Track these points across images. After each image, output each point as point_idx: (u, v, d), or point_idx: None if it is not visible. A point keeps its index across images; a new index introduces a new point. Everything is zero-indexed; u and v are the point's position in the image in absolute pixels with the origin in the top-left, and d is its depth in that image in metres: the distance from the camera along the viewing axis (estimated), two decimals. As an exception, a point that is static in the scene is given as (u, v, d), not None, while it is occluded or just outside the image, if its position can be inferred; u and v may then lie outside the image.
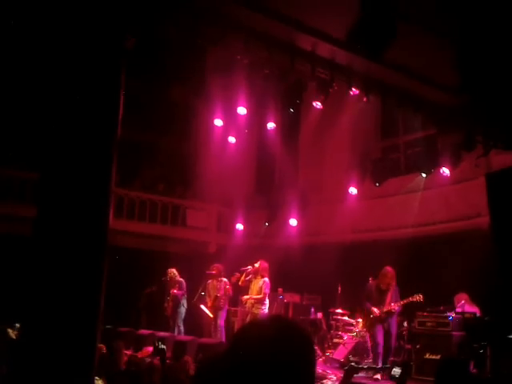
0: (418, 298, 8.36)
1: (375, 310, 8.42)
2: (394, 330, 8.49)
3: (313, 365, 1.38)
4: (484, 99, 5.85)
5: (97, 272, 3.80)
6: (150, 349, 8.90)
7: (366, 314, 8.92)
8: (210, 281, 10.15)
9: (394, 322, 8.51)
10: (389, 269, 8.56)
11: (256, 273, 9.57)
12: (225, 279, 10.04)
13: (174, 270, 10.87)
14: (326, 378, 7.57)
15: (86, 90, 3.90)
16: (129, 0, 4.21)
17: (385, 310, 8.37)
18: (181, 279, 10.77)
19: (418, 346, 8.32)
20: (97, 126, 3.94)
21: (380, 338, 8.35)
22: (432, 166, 9.14)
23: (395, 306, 8.39)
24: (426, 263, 9.39)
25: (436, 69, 6.23)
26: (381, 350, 8.27)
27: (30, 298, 3.64)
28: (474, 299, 8.72)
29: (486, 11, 5.39)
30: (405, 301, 8.42)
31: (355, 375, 6.64)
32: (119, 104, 4.07)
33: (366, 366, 8.14)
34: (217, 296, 9.90)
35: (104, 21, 3.97)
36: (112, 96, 4.03)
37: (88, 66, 3.90)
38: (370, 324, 8.64)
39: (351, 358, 8.66)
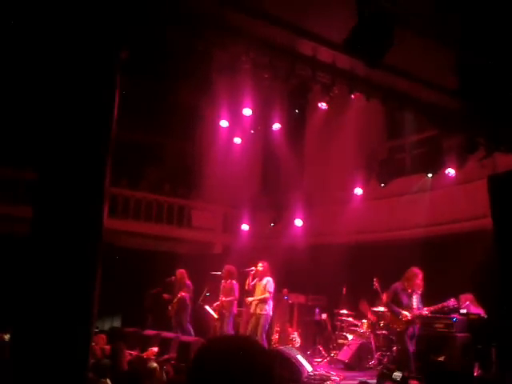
0: (452, 303, 8.03)
1: (406, 313, 7.99)
2: (417, 334, 8.17)
3: (273, 381, 1.43)
4: (485, 102, 5.83)
5: (91, 272, 3.83)
6: (156, 349, 8.95)
7: (392, 318, 8.40)
8: (222, 281, 10.17)
9: (417, 326, 8.20)
10: (416, 270, 8.18)
11: (259, 274, 9.59)
12: (234, 281, 10.04)
13: (183, 272, 10.87)
14: (329, 379, 7.56)
15: (80, 94, 3.96)
16: (124, 9, 4.24)
17: (417, 314, 8.01)
18: (188, 282, 10.76)
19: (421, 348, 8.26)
20: (91, 128, 3.98)
21: (409, 344, 7.96)
22: (438, 166, 9.12)
23: (427, 311, 8.06)
24: (431, 264, 9.33)
25: (436, 72, 6.22)
26: (412, 355, 7.89)
27: (23, 299, 3.67)
28: (480, 300, 8.69)
29: (484, 15, 5.38)
30: (439, 305, 8.06)
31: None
32: (114, 108, 4.12)
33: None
34: (225, 299, 9.94)
35: (99, 31, 4.02)
36: (106, 100, 4.07)
37: (82, 72, 3.96)
38: (399, 329, 8.15)
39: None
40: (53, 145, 3.90)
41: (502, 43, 5.59)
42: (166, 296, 11.05)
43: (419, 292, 8.17)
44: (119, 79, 4.23)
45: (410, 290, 8.14)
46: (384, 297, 9.47)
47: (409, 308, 8.07)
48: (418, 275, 8.11)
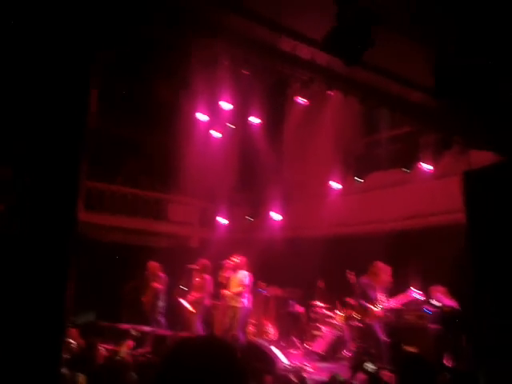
0: (410, 295, 8.36)
1: (374, 308, 8.28)
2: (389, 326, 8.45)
3: (242, 379, 1.47)
4: (461, 101, 5.95)
5: (64, 266, 3.81)
6: (131, 343, 8.92)
7: (360, 312, 8.65)
8: (196, 275, 10.16)
9: (388, 319, 8.49)
10: (381, 265, 8.49)
11: (235, 268, 9.63)
12: (208, 277, 10.05)
13: (154, 264, 10.85)
14: (303, 371, 7.65)
15: (54, 89, 3.92)
16: (101, 6, 4.20)
17: (387, 307, 8.27)
18: (161, 274, 10.76)
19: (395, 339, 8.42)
20: (64, 123, 3.95)
21: (381, 335, 8.19)
22: (414, 161, 9.27)
23: (397, 304, 8.33)
24: (407, 257, 9.52)
25: (414, 71, 6.31)
26: (384, 347, 8.09)
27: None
28: (453, 293, 8.87)
29: (462, 14, 5.49)
30: (404, 300, 8.36)
31: None
32: (87, 103, 4.09)
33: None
34: (197, 294, 9.94)
35: (74, 27, 3.98)
36: (80, 96, 4.04)
37: (56, 67, 3.93)
38: (370, 321, 8.39)
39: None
40: (25, 139, 3.85)
41: (479, 43, 5.70)
42: (133, 284, 11.06)
43: (384, 286, 8.47)
44: (94, 75, 4.20)
45: (375, 285, 8.44)
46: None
47: (375, 302, 8.33)
48: (382, 270, 8.43)
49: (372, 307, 8.27)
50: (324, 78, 6.50)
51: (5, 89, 3.89)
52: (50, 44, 3.89)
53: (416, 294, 8.34)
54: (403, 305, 8.41)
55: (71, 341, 7.35)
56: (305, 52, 5.98)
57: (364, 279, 8.58)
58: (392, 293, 8.70)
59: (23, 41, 3.91)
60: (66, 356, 6.08)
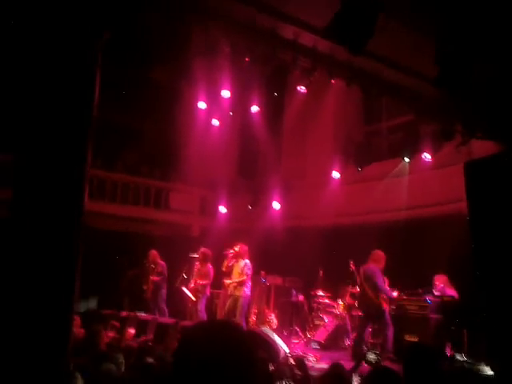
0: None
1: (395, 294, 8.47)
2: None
3: (253, 365, 1.48)
4: (462, 90, 5.92)
5: (72, 255, 3.81)
6: (133, 331, 8.96)
7: (377, 299, 8.45)
8: (197, 263, 10.18)
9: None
10: (382, 253, 8.58)
11: (237, 256, 9.63)
12: (210, 265, 10.07)
13: (155, 252, 10.88)
14: (306, 359, 7.69)
15: (60, 75, 3.89)
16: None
17: (395, 296, 8.48)
18: (162, 262, 10.79)
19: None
20: (71, 111, 3.92)
21: (391, 323, 8.25)
22: (414, 151, 9.23)
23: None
24: (407, 247, 9.53)
25: (416, 60, 6.27)
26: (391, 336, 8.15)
27: (1, 282, 3.64)
28: (454, 282, 8.90)
29: (463, 6, 5.44)
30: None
31: None
32: (94, 89, 4.06)
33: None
34: (199, 282, 9.96)
35: (80, 11, 3.94)
36: (87, 81, 4.01)
37: (62, 52, 3.89)
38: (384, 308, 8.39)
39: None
40: (32, 127, 3.83)
41: (480, 33, 5.66)
42: (135, 272, 11.10)
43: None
44: (101, 60, 4.16)
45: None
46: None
47: (385, 290, 8.36)
48: (383, 258, 8.49)
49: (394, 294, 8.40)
50: (326, 66, 6.46)
51: (11, 76, 3.86)
52: (53, 28, 3.85)
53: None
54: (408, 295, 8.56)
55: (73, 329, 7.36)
56: (307, 39, 5.93)
57: (375, 267, 8.49)
58: (392, 282, 8.76)
59: (27, 25, 3.88)
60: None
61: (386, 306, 8.32)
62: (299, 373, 5.09)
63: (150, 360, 4.95)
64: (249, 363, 1.46)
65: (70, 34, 3.90)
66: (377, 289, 8.29)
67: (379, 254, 8.53)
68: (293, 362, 6.10)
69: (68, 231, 3.79)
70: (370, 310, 8.46)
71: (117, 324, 8.95)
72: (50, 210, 3.74)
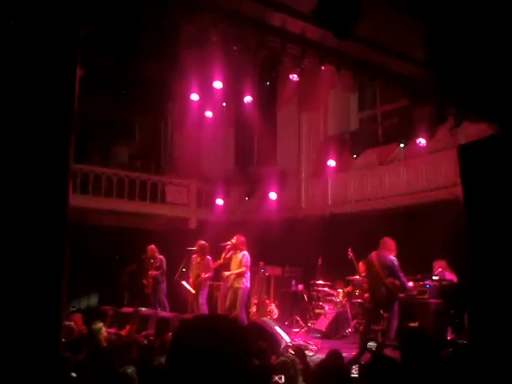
0: None
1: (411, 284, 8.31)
2: None
3: (248, 357, 1.48)
4: (454, 73, 5.88)
5: (57, 250, 3.78)
6: (134, 325, 8.94)
7: (394, 288, 8.06)
8: (194, 256, 10.15)
9: None
10: (391, 240, 8.16)
11: (235, 248, 9.59)
12: (208, 257, 10.04)
13: (153, 247, 10.85)
14: (307, 349, 7.68)
15: (40, 70, 3.84)
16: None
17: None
18: (160, 256, 10.76)
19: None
20: (52, 105, 3.87)
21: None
22: (409, 136, 9.18)
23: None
24: (404, 232, 9.50)
25: (407, 43, 6.22)
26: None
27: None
28: (452, 267, 8.89)
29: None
30: None
31: None
32: (74, 84, 4.01)
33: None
34: (199, 275, 9.93)
35: (57, 6, 3.88)
36: (66, 76, 3.96)
37: (41, 47, 3.84)
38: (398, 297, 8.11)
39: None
40: (13, 122, 3.78)
41: (471, 15, 5.61)
42: (132, 267, 11.09)
43: None
44: (80, 55, 4.10)
45: None
46: (360, 266, 9.65)
47: (404, 280, 7.99)
48: (395, 246, 8.08)
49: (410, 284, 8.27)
50: (315, 52, 6.39)
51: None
52: (31, 23, 3.80)
53: None
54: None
55: (75, 326, 7.36)
56: (295, 26, 5.87)
57: (392, 256, 8.05)
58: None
59: (8, 19, 3.81)
60: (70, 339, 6.12)
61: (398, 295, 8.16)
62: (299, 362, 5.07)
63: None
64: (241, 355, 1.44)
65: (47, 28, 3.85)
66: (395, 277, 7.92)
67: (390, 242, 8.07)
68: (292, 352, 6.08)
69: (52, 224, 3.76)
70: (381, 298, 8.07)
71: (118, 320, 8.96)
72: (32, 204, 3.70)
